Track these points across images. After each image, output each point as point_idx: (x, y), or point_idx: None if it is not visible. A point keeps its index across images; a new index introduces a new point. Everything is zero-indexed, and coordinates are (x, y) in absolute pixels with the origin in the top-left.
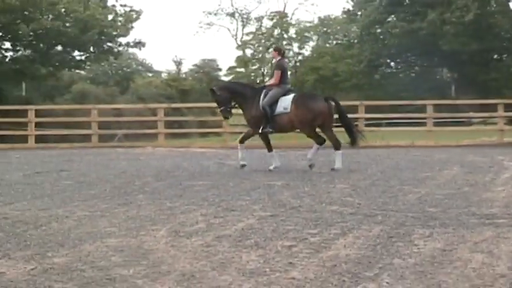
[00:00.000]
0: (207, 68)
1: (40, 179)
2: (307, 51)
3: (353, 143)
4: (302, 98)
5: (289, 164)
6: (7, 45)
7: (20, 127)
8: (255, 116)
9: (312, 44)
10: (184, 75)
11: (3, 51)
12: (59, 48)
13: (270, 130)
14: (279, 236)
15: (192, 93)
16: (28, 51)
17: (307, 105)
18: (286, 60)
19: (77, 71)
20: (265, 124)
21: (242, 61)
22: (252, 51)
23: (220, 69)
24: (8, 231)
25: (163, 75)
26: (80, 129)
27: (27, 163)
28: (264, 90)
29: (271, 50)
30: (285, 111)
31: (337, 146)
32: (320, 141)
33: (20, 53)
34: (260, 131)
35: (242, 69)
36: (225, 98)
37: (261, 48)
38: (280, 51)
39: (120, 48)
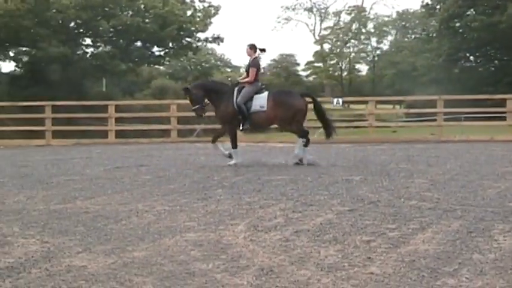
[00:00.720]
0: (285, 63)
1: (120, 173)
2: (385, 45)
3: (328, 136)
4: (280, 96)
5: (367, 159)
6: (88, 41)
7: (101, 122)
8: (228, 113)
9: (390, 38)
10: (262, 70)
11: (84, 47)
12: (139, 44)
13: (249, 127)
14: (358, 230)
15: (271, 88)
16: (108, 47)
17: (286, 102)
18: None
19: (156, 66)
20: (243, 121)
21: (320, 56)
22: (330, 46)
23: (298, 64)
24: (88, 226)
25: (242, 70)
26: (159, 125)
27: (108, 158)
28: (237, 88)
29: (349, 42)
30: (261, 110)
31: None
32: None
33: (100, 49)
34: (241, 129)
35: (320, 64)
36: (199, 97)
37: (339, 43)
38: (255, 49)
39: (199, 44)
